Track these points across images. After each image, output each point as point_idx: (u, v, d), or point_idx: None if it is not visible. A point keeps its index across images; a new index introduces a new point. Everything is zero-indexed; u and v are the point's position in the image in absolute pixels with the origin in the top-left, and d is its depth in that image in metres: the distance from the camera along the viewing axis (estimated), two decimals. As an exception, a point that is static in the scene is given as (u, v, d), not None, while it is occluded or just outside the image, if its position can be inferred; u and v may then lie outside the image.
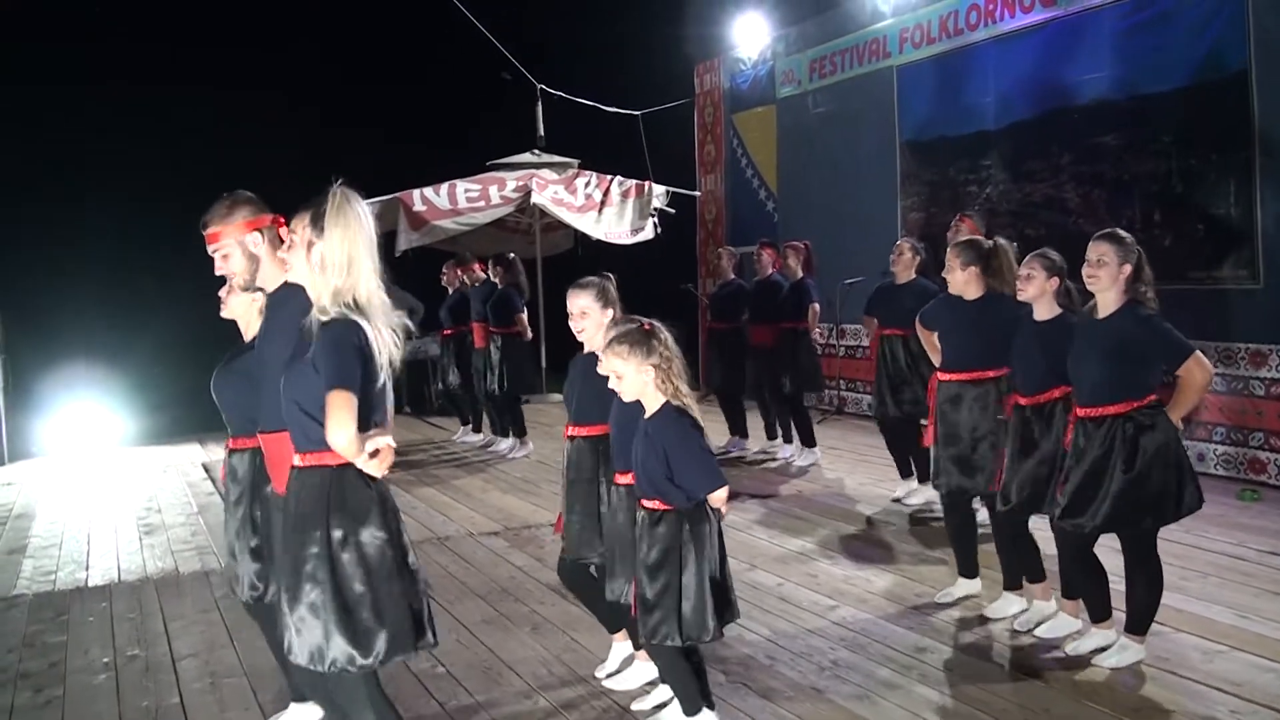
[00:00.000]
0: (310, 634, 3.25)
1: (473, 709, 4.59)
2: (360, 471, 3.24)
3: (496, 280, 10.65)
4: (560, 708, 4.56)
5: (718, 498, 3.89)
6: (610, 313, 4.59)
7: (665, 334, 3.95)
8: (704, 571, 3.86)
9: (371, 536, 3.27)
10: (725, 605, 3.95)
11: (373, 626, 3.25)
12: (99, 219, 14.24)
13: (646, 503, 3.92)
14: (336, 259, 3.24)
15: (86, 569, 7.07)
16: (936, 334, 5.85)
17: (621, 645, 4.82)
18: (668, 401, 3.91)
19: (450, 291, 11.49)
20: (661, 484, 3.85)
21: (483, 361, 10.67)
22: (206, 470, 10.34)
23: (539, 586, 6.19)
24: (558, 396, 13.25)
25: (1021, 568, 5.31)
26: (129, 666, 5.25)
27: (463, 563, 6.74)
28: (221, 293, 4.17)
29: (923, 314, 6.04)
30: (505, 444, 10.68)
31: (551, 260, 14.71)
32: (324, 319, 3.24)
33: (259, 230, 3.88)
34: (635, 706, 4.47)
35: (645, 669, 4.70)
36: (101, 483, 10.07)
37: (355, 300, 3.26)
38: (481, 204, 12.97)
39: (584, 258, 13.45)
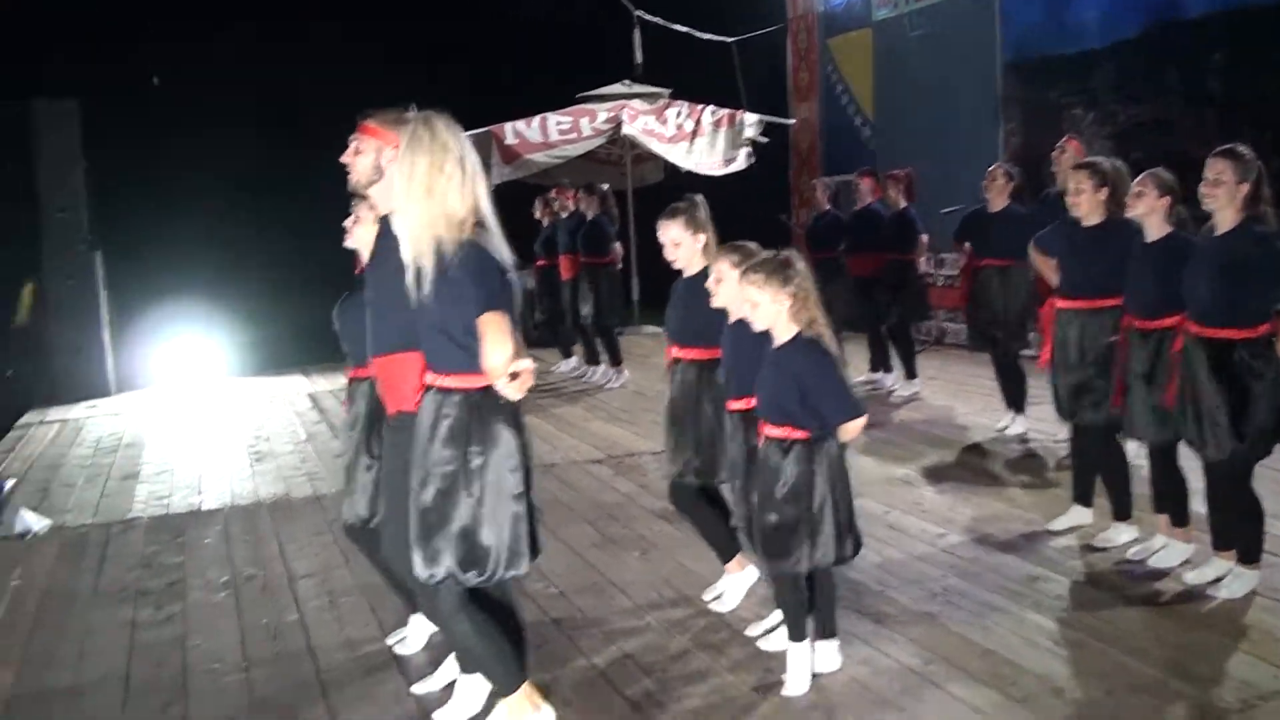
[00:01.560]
0: (430, 549, 3.34)
1: (584, 625, 4.66)
2: (498, 395, 3.29)
3: (587, 211, 10.64)
4: (669, 627, 4.61)
5: (855, 426, 3.84)
6: (703, 237, 4.56)
7: (801, 264, 3.90)
8: (832, 500, 3.83)
9: (505, 458, 3.35)
10: (851, 533, 3.92)
11: (491, 545, 3.34)
12: (203, 152, 14.44)
13: (773, 431, 3.87)
14: (425, 182, 3.27)
15: (200, 494, 7.28)
16: (1054, 260, 5.68)
17: (730, 569, 4.84)
18: (800, 332, 3.86)
19: (543, 224, 11.51)
20: (793, 411, 3.81)
21: (573, 293, 10.70)
22: (312, 400, 10.55)
23: (644, 512, 6.25)
24: (651, 328, 13.37)
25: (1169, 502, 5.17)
26: (247, 586, 5.42)
27: (569, 489, 6.81)
28: (347, 223, 4.16)
29: (1039, 238, 5.88)
30: (599, 373, 10.73)
31: (643, 192, 14.63)
32: (457, 243, 3.27)
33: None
34: (749, 632, 4.49)
35: (742, 583, 4.72)
36: (209, 412, 10.32)
37: (481, 220, 3.31)
38: (573, 136, 12.92)
39: (675, 189, 13.34)
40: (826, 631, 4.10)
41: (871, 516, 5.89)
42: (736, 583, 4.79)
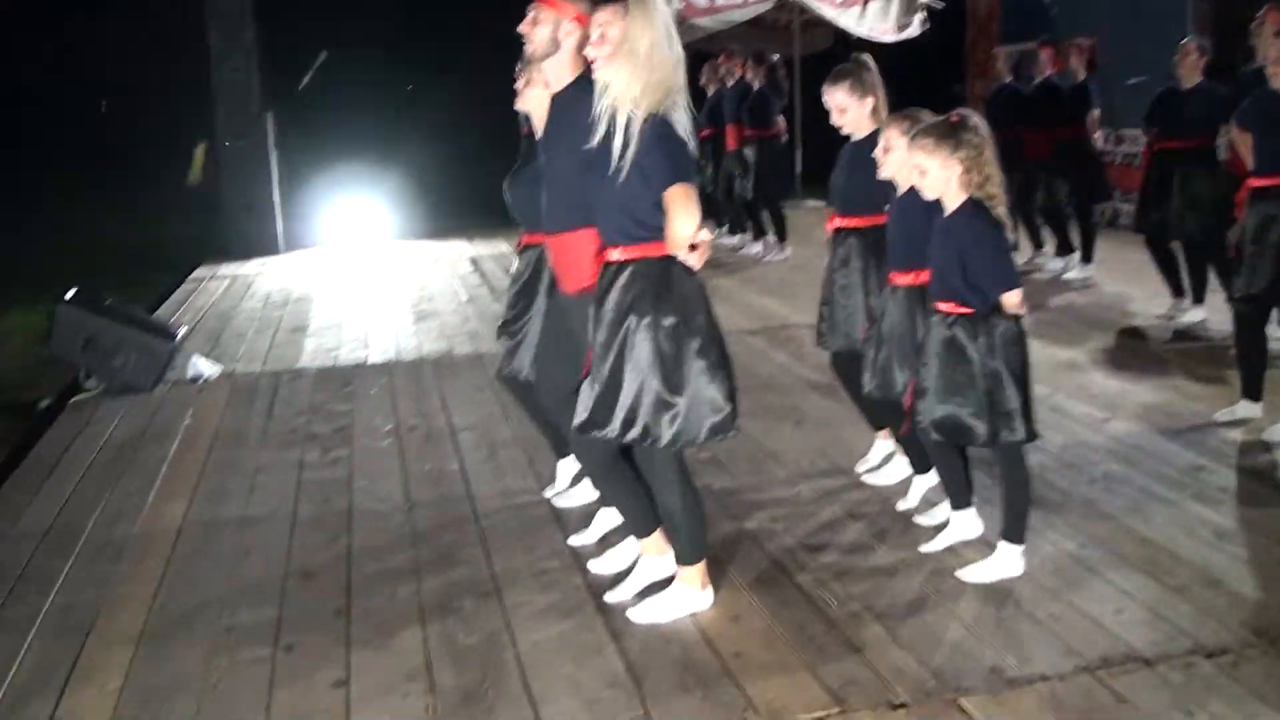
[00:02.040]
0: (635, 412, 3.43)
1: (737, 492, 4.75)
2: (681, 264, 3.35)
3: (753, 81, 10.46)
4: (821, 496, 4.66)
5: (1010, 300, 3.75)
6: (870, 100, 4.45)
7: (976, 121, 3.76)
8: (1009, 376, 3.77)
9: (699, 324, 3.41)
10: (1024, 417, 3.81)
11: (694, 408, 3.43)
12: (373, 13, 14.63)
13: (941, 305, 3.82)
14: (648, 50, 3.28)
15: (366, 348, 7.58)
16: (1252, 136, 5.38)
17: (884, 442, 4.85)
18: (969, 198, 3.76)
19: (708, 93, 11.37)
20: (957, 285, 3.74)
21: (736, 164, 10.60)
22: (474, 264, 10.80)
23: (799, 383, 6.28)
24: (813, 202, 13.21)
25: None
26: (410, 435, 5.66)
27: (724, 358, 6.83)
28: (518, 85, 4.12)
29: (1241, 112, 5.57)
30: (758, 246, 10.68)
31: (810, 60, 14.29)
32: (642, 114, 3.30)
33: (580, 26, 3.80)
34: (900, 506, 4.52)
35: (904, 466, 4.73)
36: (375, 272, 10.67)
37: (669, 91, 3.31)
38: (739, 0, 12.68)
39: (844, 58, 12.99)
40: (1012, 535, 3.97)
41: (1034, 399, 5.78)
42: (885, 448, 4.82)
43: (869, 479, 4.80)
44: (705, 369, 3.44)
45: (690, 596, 3.71)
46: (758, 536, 4.31)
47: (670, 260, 3.37)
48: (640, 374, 3.40)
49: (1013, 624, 3.58)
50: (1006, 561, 3.90)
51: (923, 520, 4.34)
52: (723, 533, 4.33)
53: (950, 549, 4.08)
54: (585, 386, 3.52)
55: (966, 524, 4.12)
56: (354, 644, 3.61)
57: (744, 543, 4.26)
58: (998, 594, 3.77)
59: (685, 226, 3.27)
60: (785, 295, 8.82)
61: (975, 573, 3.91)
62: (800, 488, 4.78)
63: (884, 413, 4.53)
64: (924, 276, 3.99)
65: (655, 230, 3.34)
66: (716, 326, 3.51)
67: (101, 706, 3.32)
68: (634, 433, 3.44)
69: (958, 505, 4.11)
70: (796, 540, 4.26)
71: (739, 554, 4.16)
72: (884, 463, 4.83)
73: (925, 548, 4.11)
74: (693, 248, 3.31)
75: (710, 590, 3.75)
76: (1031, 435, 3.84)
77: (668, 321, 3.38)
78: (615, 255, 3.45)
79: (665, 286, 3.38)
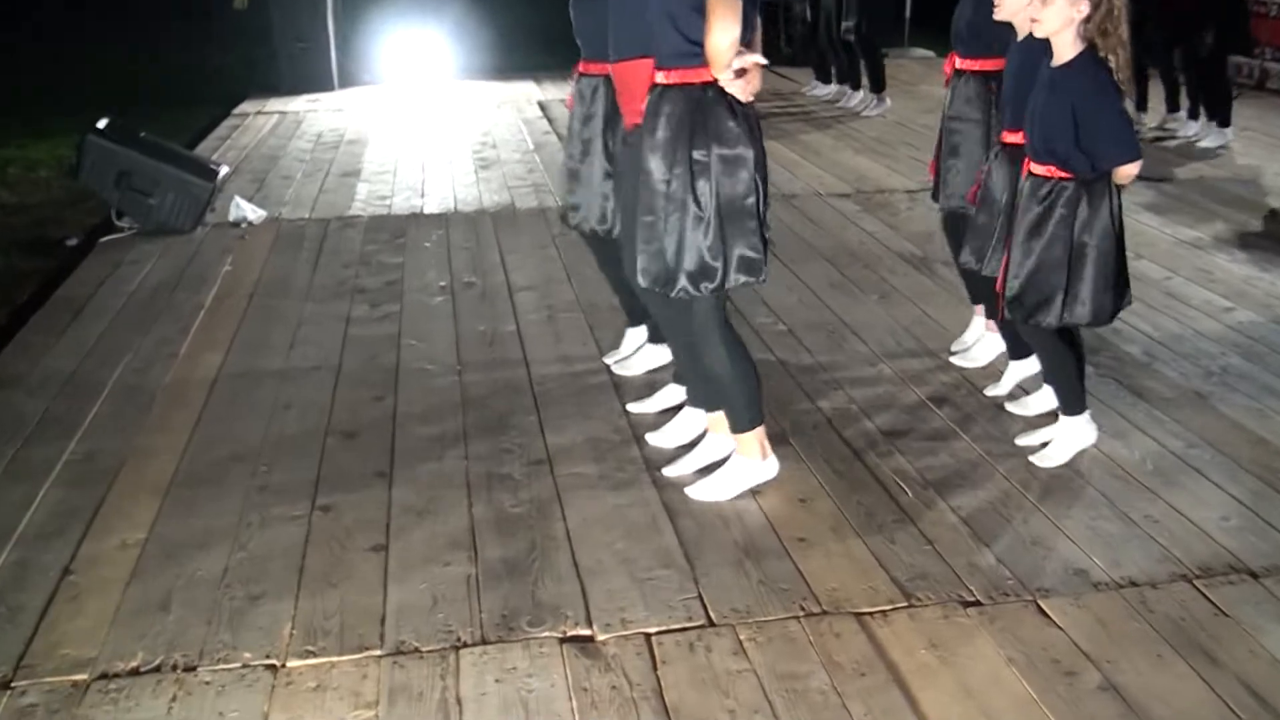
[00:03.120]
0: (658, 257, 3.45)
1: (812, 369, 4.76)
2: (727, 94, 3.30)
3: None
4: (905, 378, 4.66)
5: (1127, 172, 3.65)
6: None
7: None
8: (1100, 251, 3.68)
9: (735, 161, 3.36)
10: (1120, 288, 3.77)
11: (720, 252, 3.43)
12: None
13: (1037, 168, 3.71)
14: None
15: (422, 196, 7.61)
16: None
17: (979, 320, 4.81)
18: (1087, 49, 3.61)
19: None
20: (1062, 147, 3.62)
21: (836, 4, 10.33)
22: (542, 109, 10.73)
23: (890, 254, 6.22)
24: (921, 51, 12.89)
25: None
26: (465, 293, 5.72)
27: (809, 223, 6.80)
28: None
29: None
30: (858, 98, 10.48)
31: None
32: None
33: None
34: (990, 392, 4.50)
35: (994, 342, 4.69)
36: (435, 114, 10.64)
37: None
38: None
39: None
40: (1067, 407, 4.00)
41: (1148, 281, 5.70)
42: (991, 342, 4.76)
43: (958, 361, 4.78)
44: (734, 208, 3.41)
45: (750, 468, 3.75)
46: (832, 418, 4.33)
47: (710, 84, 3.32)
48: (665, 214, 3.40)
49: (1104, 525, 3.58)
50: (1073, 434, 3.91)
51: (1014, 409, 4.33)
52: (795, 412, 4.36)
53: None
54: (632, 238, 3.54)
55: (1078, 432, 4.00)
56: (395, 508, 3.71)
57: (817, 424, 4.28)
58: (1089, 492, 3.77)
59: (721, 36, 3.18)
60: (883, 155, 8.67)
61: (1048, 457, 3.93)
62: (882, 367, 4.77)
63: (979, 287, 4.48)
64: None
65: (698, 51, 3.27)
66: (759, 167, 3.44)
67: (122, 559, 3.44)
68: (668, 285, 3.47)
69: (1070, 409, 4.00)
70: (874, 424, 4.27)
71: (811, 435, 4.19)
72: (975, 342, 4.80)
73: (1021, 440, 4.10)
74: (740, 74, 3.25)
75: (774, 460, 3.79)
76: (1103, 318, 3.80)
77: (698, 155, 3.35)
78: (659, 79, 3.41)
79: (702, 116, 3.34)
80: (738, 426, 3.73)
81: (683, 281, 3.45)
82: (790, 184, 7.68)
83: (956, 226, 4.56)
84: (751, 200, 3.43)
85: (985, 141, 4.35)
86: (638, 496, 3.76)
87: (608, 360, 4.80)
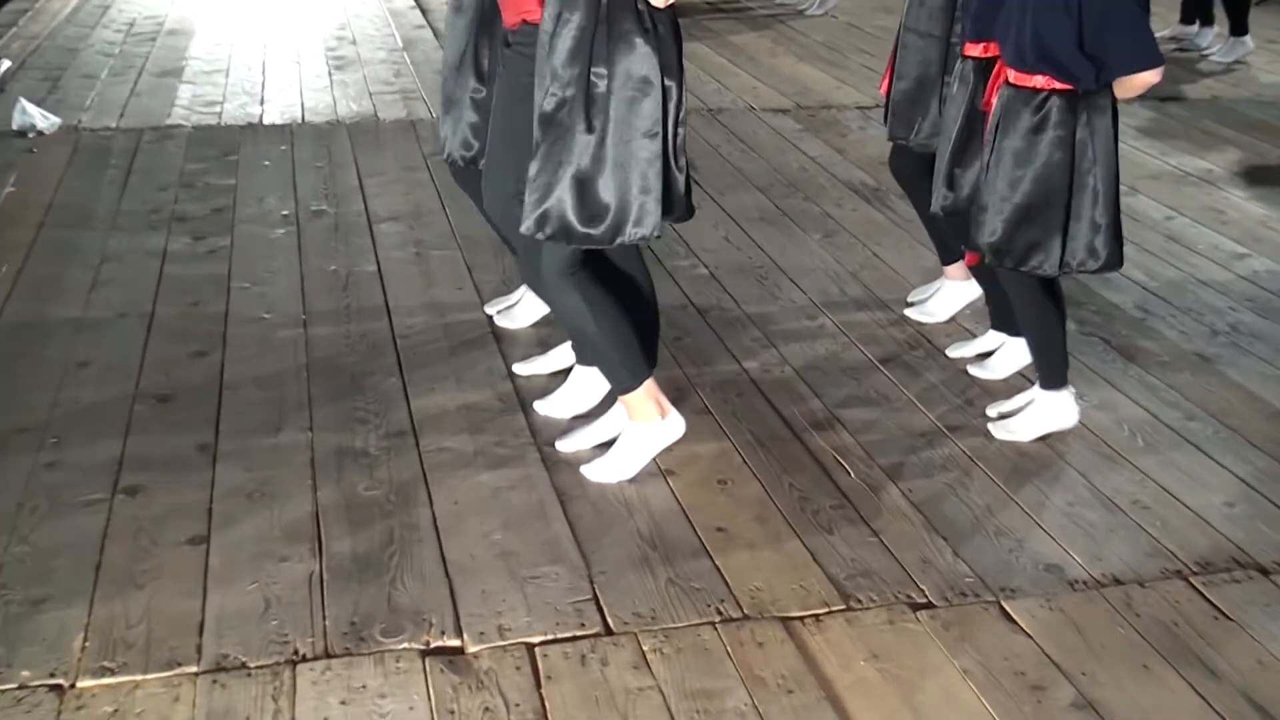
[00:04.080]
0: (537, 194, 3.43)
1: (739, 322, 4.79)
2: (637, 4, 3.30)
3: None
4: (850, 335, 4.71)
5: (1144, 81, 3.63)
6: None
7: None
8: (1106, 178, 3.71)
9: (638, 82, 3.35)
10: (1112, 234, 3.79)
11: (612, 195, 3.42)
12: None
13: (1021, 80, 3.72)
14: None
15: (261, 104, 7.52)
16: None
17: (952, 273, 4.84)
18: None
19: None
20: (1062, 50, 3.60)
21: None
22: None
23: (837, 184, 6.27)
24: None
25: None
26: (314, 224, 5.67)
27: (740, 144, 6.83)
28: None
29: None
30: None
31: None
32: None
33: None
34: (953, 353, 4.56)
35: (957, 294, 4.77)
36: (281, 1, 10.48)
37: None
38: None
39: None
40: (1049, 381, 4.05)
41: (1145, 221, 5.81)
42: (953, 293, 4.82)
43: (915, 314, 4.84)
44: (637, 142, 3.39)
45: (648, 433, 3.76)
46: (761, 382, 4.36)
47: None
48: (556, 142, 3.39)
49: (1083, 512, 3.66)
50: (1049, 410, 3.98)
51: (977, 372, 4.40)
52: (716, 375, 4.39)
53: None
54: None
55: (1055, 409, 4.05)
56: (219, 491, 3.67)
57: (742, 389, 4.31)
58: (1067, 473, 3.85)
59: None
60: (831, 63, 8.74)
61: (1010, 429, 4.01)
62: (823, 320, 4.82)
63: (949, 235, 4.53)
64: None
65: None
66: (672, 92, 3.42)
67: None
68: (546, 226, 3.44)
69: (1050, 381, 4.04)
70: (810, 388, 4.31)
71: (735, 403, 4.22)
72: (936, 294, 4.86)
73: (992, 410, 4.15)
74: None
75: (677, 417, 3.80)
76: (1113, 263, 3.84)
77: (597, 73, 3.34)
78: None
79: (603, 25, 3.32)
80: (620, 388, 3.73)
81: (552, 226, 3.44)
82: (718, 96, 7.70)
83: (911, 165, 4.62)
84: (655, 132, 3.39)
85: (941, 58, 4.39)
86: (522, 477, 3.77)
87: (489, 310, 4.78)
